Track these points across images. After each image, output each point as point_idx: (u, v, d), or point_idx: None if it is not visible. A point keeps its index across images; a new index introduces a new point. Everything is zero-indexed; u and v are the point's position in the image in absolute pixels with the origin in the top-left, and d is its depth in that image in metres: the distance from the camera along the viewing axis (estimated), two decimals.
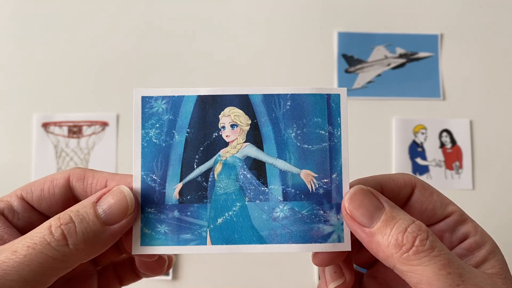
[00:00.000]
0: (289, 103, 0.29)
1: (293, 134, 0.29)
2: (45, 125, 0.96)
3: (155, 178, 0.29)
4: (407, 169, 0.95)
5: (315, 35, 0.99)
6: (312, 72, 0.98)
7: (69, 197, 0.31)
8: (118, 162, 0.96)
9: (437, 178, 0.95)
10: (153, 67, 0.97)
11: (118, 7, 0.98)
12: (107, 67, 0.97)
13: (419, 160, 0.96)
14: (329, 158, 0.29)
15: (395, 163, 0.95)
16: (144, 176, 0.29)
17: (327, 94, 0.29)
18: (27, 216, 0.30)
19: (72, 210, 0.27)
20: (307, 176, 0.29)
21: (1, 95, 0.96)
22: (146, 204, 0.29)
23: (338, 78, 0.98)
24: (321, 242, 0.29)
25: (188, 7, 0.99)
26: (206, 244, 0.29)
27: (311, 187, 0.29)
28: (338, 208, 0.29)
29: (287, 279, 0.91)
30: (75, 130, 0.96)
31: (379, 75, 0.98)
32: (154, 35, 0.98)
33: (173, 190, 0.29)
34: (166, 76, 0.97)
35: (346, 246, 0.29)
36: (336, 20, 0.99)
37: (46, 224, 0.26)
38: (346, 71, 0.98)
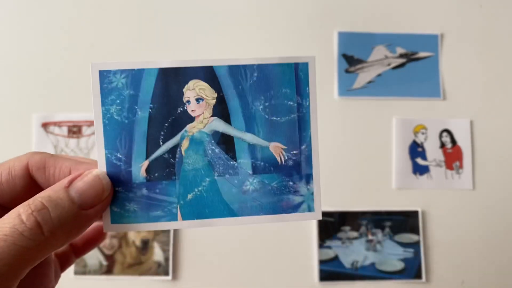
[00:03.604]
0: (256, 74, 0.28)
1: (261, 107, 0.29)
2: (45, 125, 0.96)
3: (120, 156, 0.28)
4: (407, 169, 0.94)
5: (315, 35, 0.99)
6: None
7: (32, 186, 0.29)
8: None
9: (438, 178, 0.94)
10: None
11: (118, 6, 0.98)
12: None
13: (419, 160, 0.95)
14: (298, 129, 0.29)
15: (395, 163, 0.95)
16: (109, 155, 0.28)
17: (295, 64, 0.28)
18: None
19: (42, 196, 0.25)
20: (276, 149, 0.29)
21: (1, 95, 0.96)
22: (113, 183, 0.28)
23: (338, 78, 0.98)
24: (291, 212, 0.29)
25: (188, 6, 0.99)
26: (176, 220, 0.28)
27: (280, 159, 0.29)
28: (307, 179, 0.29)
29: (287, 279, 0.91)
30: (75, 130, 0.96)
31: (379, 75, 0.98)
32: (154, 35, 0.98)
33: (140, 168, 0.29)
34: None
35: (317, 215, 0.29)
36: (336, 20, 0.99)
37: (14, 213, 0.25)
38: (346, 71, 0.98)
